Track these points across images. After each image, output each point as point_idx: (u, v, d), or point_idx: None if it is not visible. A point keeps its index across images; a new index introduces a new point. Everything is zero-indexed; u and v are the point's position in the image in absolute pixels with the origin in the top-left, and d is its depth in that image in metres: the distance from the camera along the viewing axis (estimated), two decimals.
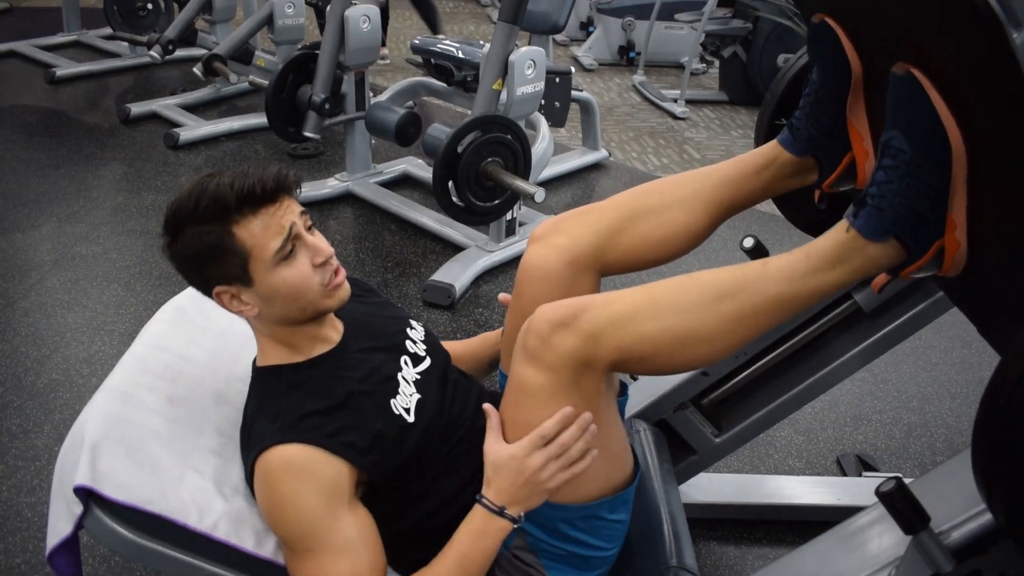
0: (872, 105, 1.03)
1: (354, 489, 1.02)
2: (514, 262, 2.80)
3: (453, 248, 2.92)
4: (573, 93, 3.33)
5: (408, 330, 1.22)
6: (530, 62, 2.54)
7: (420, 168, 3.48)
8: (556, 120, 3.10)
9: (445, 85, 3.07)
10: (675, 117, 4.57)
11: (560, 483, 1.00)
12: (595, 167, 3.80)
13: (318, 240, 1.06)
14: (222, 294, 1.05)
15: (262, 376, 1.10)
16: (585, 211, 1.19)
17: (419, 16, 5.17)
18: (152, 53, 3.69)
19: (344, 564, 0.97)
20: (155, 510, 0.99)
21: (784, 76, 1.32)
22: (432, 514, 1.08)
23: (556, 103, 3.12)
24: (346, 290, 1.09)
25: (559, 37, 5.81)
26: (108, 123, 3.98)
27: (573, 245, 1.14)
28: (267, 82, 3.07)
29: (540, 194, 2.38)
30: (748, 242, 1.39)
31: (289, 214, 1.03)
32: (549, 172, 3.46)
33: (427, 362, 1.18)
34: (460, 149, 2.34)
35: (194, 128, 3.79)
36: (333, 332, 1.14)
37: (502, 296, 1.30)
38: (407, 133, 2.89)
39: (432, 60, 3.00)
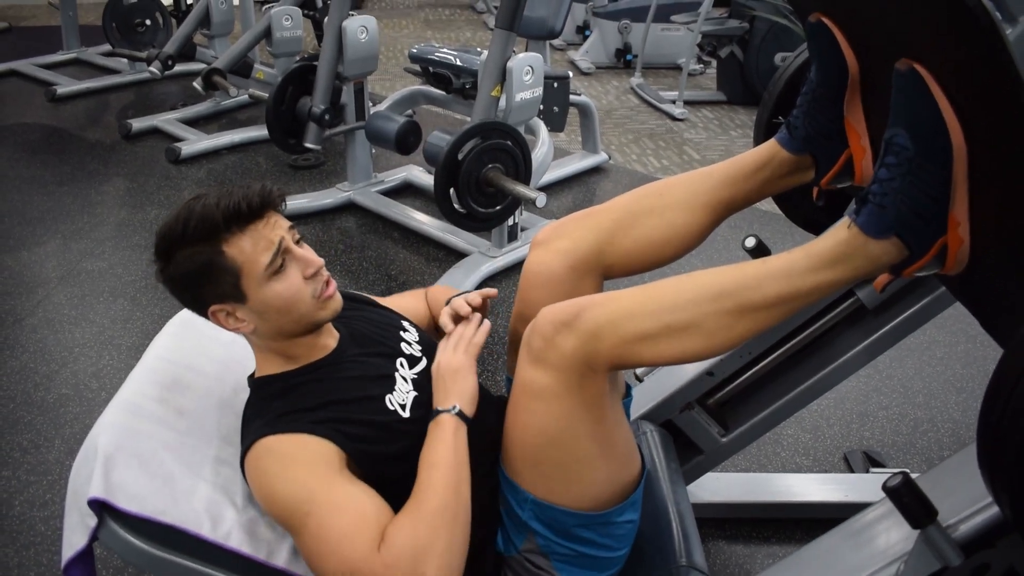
0: (869, 103, 1.04)
1: (346, 468, 1.01)
2: (516, 267, 2.81)
3: (456, 255, 2.93)
4: (571, 97, 3.33)
5: (402, 332, 1.24)
6: (528, 68, 2.55)
7: (421, 176, 3.49)
8: (555, 125, 3.11)
9: (444, 93, 3.08)
10: (674, 118, 4.58)
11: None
12: (595, 170, 3.81)
13: (307, 252, 1.08)
14: (217, 313, 1.07)
15: (258, 386, 1.13)
16: (586, 215, 1.19)
17: None
18: (152, 68, 3.71)
19: (346, 517, 0.94)
20: (169, 521, 1.01)
21: (782, 75, 1.32)
22: None
23: (555, 108, 3.13)
24: (338, 301, 1.11)
25: (556, 42, 5.83)
26: (110, 139, 4.00)
27: (575, 249, 1.15)
28: (267, 94, 3.09)
29: (541, 199, 2.39)
30: (750, 242, 1.38)
31: (277, 229, 1.05)
32: (550, 177, 3.47)
33: (423, 363, 1.20)
34: (461, 156, 2.35)
35: (195, 142, 3.80)
36: (330, 340, 1.16)
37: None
38: (407, 142, 2.90)
39: (430, 68, 3.01)
